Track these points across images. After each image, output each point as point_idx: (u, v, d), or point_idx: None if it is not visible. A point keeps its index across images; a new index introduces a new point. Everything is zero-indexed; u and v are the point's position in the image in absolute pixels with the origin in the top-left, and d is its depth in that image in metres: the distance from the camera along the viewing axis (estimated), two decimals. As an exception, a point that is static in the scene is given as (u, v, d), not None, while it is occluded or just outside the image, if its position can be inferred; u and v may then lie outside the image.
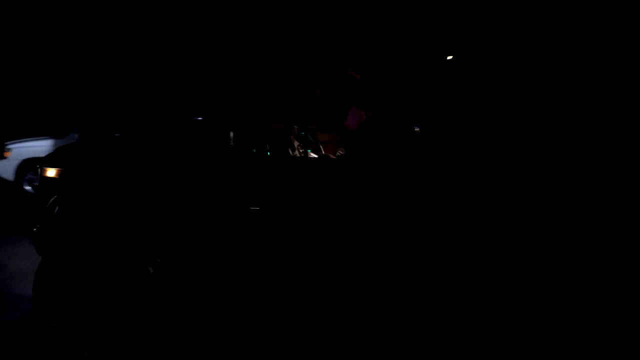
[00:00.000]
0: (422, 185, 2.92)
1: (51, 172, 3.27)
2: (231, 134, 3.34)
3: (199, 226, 2.95)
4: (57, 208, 3.18)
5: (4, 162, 8.60)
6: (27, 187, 8.59)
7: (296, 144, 4.06)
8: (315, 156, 4.10)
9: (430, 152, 3.05)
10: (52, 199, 3.30)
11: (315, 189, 2.93)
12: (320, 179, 2.96)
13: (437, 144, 3.10)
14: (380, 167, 3.00)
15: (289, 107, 3.48)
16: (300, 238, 2.90)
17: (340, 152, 4.05)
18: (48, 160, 3.33)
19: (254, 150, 3.37)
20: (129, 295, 2.92)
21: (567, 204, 2.83)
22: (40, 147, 8.54)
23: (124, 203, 2.99)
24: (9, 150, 8.64)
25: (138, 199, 2.98)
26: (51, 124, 11.58)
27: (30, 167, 8.55)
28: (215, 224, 2.94)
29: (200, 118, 3.64)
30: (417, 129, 3.13)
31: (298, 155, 3.99)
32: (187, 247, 2.97)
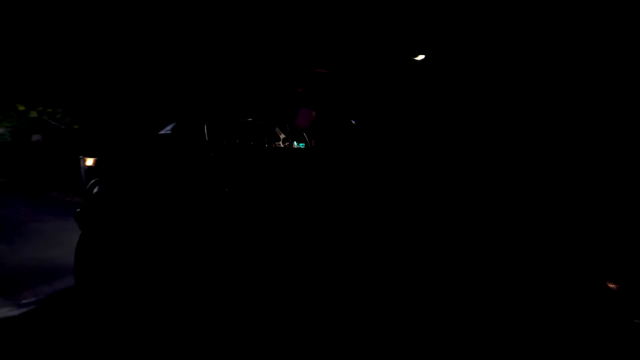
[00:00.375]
0: (357, 168, 3.37)
1: (89, 162, 4.05)
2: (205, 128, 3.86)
3: (189, 206, 3.51)
4: (94, 190, 3.83)
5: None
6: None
7: (282, 136, 4.52)
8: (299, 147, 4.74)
9: (363, 141, 3.52)
10: (91, 182, 3.98)
11: (269, 174, 3.52)
12: (273, 166, 3.54)
13: (368, 134, 3.55)
14: (324, 154, 3.55)
15: (271, 104, 4.17)
16: (256, 211, 3.46)
17: (282, 138, 4.51)
18: (87, 152, 4.15)
19: (224, 142, 3.80)
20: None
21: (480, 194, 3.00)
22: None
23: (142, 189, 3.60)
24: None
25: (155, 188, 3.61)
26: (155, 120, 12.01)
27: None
28: (197, 201, 3.51)
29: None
30: (352, 122, 3.64)
31: (282, 146, 4.45)
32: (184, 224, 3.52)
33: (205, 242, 3.38)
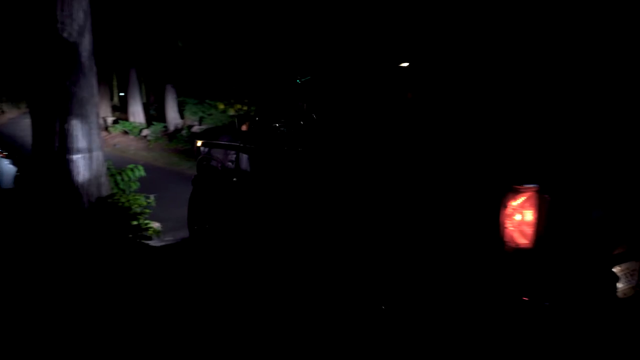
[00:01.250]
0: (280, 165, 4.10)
1: (198, 143, 5.69)
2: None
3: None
4: (202, 164, 5.48)
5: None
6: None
7: None
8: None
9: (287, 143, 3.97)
10: (199, 158, 5.59)
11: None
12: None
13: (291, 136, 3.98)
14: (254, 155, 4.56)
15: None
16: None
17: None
18: (198, 136, 5.69)
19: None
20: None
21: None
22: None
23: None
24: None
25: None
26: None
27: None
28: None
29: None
30: (277, 125, 4.13)
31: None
32: None
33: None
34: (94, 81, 5.76)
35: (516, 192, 2.41)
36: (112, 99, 24.52)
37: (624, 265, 2.75)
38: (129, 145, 17.04)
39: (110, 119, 19.49)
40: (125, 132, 18.46)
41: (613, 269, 2.72)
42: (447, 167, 2.82)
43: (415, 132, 3.14)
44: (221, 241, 4.98)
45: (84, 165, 5.61)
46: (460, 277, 2.68)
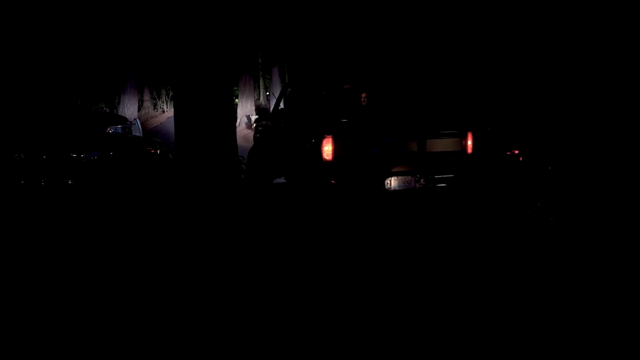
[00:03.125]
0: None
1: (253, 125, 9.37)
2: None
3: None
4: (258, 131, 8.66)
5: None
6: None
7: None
8: None
9: None
10: (254, 125, 9.65)
11: None
12: None
13: None
14: None
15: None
16: None
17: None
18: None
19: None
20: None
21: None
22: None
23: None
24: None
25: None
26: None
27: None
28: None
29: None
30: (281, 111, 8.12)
31: None
32: None
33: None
34: (230, 88, 7.28)
35: (324, 137, 6.05)
36: (258, 98, 25.83)
37: (400, 177, 6.23)
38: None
39: (253, 117, 20.39)
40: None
41: (390, 177, 6.19)
42: (305, 127, 6.75)
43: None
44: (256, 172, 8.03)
45: (218, 157, 6.53)
46: (307, 170, 6.42)
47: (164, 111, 23.63)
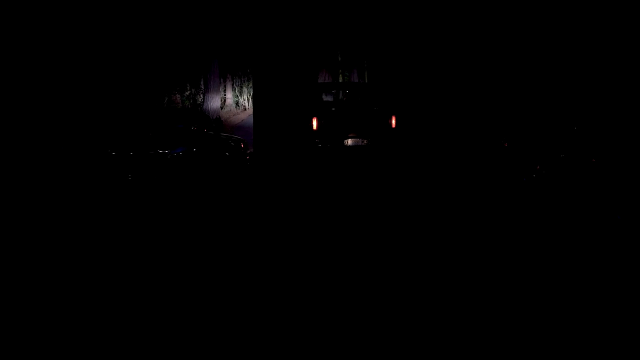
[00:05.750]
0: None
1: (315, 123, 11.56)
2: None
3: None
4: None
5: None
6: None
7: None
8: None
9: None
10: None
11: None
12: None
13: None
14: None
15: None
16: None
17: None
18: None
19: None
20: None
21: None
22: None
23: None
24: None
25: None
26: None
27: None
28: None
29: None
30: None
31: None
32: None
33: None
34: (307, 87, 9.38)
35: (313, 117, 11.32)
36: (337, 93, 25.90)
37: (352, 139, 11.44)
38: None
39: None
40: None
41: (348, 139, 11.41)
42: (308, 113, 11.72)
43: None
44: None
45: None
46: (306, 134, 11.55)
47: (245, 108, 24.26)
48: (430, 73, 13.76)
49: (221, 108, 22.40)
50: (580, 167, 7.95)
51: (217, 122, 10.76)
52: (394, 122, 11.40)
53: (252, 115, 25.39)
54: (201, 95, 22.60)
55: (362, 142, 11.24)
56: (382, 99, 12.23)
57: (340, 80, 28.66)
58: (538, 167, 8.64)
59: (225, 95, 24.14)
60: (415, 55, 15.31)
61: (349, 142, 11.22)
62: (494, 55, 13.47)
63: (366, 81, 20.95)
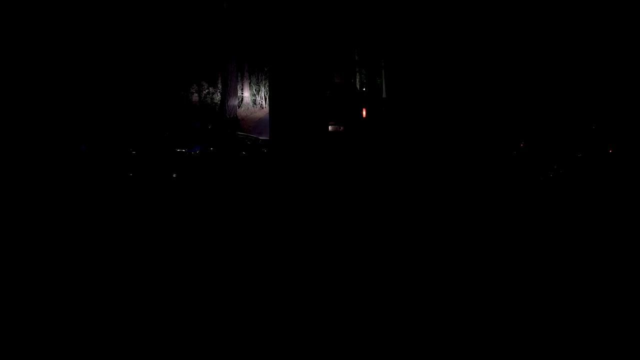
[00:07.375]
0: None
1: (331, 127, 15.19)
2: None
3: None
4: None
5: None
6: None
7: None
8: None
9: None
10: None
11: None
12: None
13: None
14: None
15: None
16: None
17: None
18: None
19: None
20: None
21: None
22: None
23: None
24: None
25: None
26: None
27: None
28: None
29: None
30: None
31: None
32: None
33: None
34: (322, 87, 8.32)
35: (363, 108, 15.26)
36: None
37: (333, 125, 14.93)
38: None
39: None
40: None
41: (329, 125, 14.10)
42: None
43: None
44: None
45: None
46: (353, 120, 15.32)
47: (262, 107, 24.43)
48: (449, 72, 14.56)
49: (238, 107, 22.57)
50: (598, 167, 7.54)
51: (234, 121, 10.84)
52: (364, 113, 15.08)
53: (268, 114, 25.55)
54: (219, 94, 22.79)
55: (339, 127, 14.71)
56: (357, 96, 15.56)
57: (357, 79, 28.72)
58: (555, 167, 8.26)
59: (242, 94, 24.31)
60: (433, 55, 16.01)
61: (330, 127, 14.46)
62: (512, 54, 13.56)
63: (383, 79, 21.23)
